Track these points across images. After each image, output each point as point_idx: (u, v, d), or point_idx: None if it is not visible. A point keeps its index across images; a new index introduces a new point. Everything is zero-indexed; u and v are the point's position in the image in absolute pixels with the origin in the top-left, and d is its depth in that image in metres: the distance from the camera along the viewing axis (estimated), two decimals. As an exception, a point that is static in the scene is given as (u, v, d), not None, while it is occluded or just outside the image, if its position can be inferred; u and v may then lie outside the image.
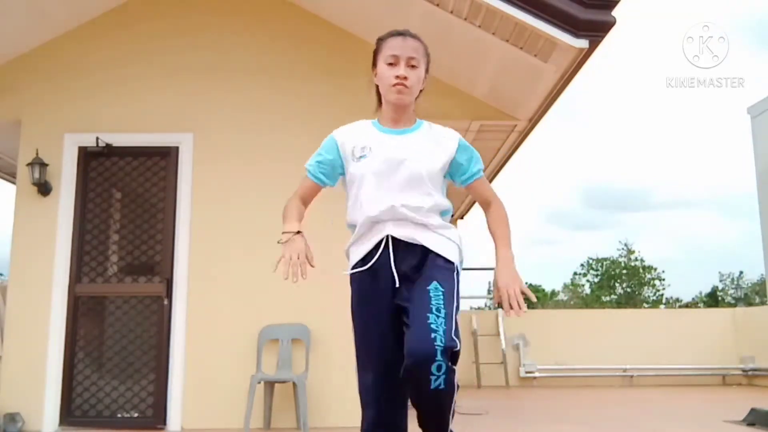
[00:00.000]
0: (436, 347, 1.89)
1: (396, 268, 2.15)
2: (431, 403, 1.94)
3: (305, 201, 2.44)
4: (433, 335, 1.91)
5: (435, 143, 2.27)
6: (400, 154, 2.22)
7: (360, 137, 2.31)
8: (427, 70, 2.30)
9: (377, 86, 2.34)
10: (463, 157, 2.28)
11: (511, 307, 2.06)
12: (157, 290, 5.74)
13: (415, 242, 2.16)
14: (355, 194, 2.26)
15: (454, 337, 1.95)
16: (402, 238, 2.16)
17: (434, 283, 2.06)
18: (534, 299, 2.20)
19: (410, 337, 1.98)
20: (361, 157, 2.26)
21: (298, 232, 2.20)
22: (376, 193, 2.20)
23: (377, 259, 2.18)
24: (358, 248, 2.25)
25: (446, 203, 2.26)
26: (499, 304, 2.10)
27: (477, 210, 11.47)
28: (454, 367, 1.94)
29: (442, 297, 2.02)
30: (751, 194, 6.96)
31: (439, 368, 1.88)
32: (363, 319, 2.21)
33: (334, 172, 2.35)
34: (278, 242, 2.18)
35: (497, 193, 2.33)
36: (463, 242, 2.25)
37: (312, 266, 2.13)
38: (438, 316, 1.97)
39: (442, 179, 2.28)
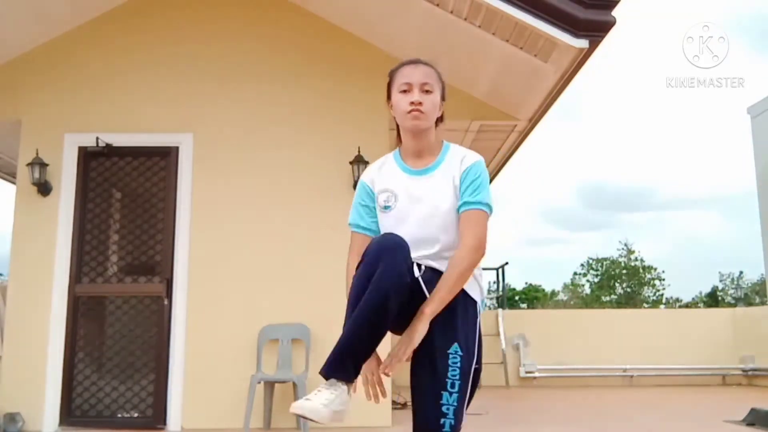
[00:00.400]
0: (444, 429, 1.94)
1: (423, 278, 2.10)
2: None
3: None
4: (442, 420, 1.94)
5: (450, 177, 2.19)
6: (421, 199, 2.19)
7: (385, 181, 2.26)
8: (443, 97, 2.24)
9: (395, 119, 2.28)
10: (465, 182, 2.16)
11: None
12: (157, 290, 5.73)
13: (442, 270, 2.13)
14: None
15: (460, 418, 1.98)
16: (429, 265, 2.15)
17: (455, 346, 2.02)
18: (388, 375, 2.06)
19: (421, 415, 1.98)
20: (386, 207, 2.22)
21: None
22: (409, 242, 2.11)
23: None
24: None
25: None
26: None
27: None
28: None
29: (459, 366, 2.00)
30: (751, 194, 6.97)
31: None
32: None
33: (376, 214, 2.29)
34: None
35: (480, 240, 2.10)
36: (482, 278, 2.22)
37: (387, 375, 2.05)
38: (451, 394, 1.97)
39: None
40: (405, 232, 2.08)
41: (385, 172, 2.27)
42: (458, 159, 2.20)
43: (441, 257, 2.15)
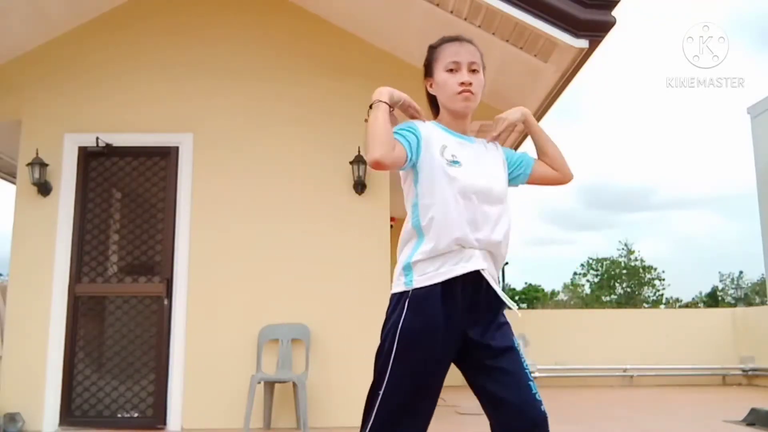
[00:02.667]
0: (546, 414, 1.92)
1: (469, 308, 1.93)
2: None
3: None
4: (542, 408, 1.91)
5: (495, 151, 2.17)
6: (485, 166, 2.06)
7: (442, 137, 2.03)
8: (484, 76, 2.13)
9: (430, 97, 2.15)
10: (508, 153, 2.21)
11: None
12: (157, 290, 5.73)
13: (492, 287, 1.96)
14: (443, 202, 1.93)
15: None
16: (489, 279, 1.95)
17: (515, 339, 2.01)
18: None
19: (526, 411, 1.89)
20: (453, 162, 1.97)
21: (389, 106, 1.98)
22: (466, 211, 1.93)
23: (459, 291, 1.91)
24: (438, 269, 1.91)
25: None
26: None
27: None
28: None
29: (527, 365, 1.98)
30: (751, 194, 6.97)
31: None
32: (421, 360, 1.88)
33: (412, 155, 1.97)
34: (365, 120, 2.01)
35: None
36: None
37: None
38: (533, 382, 1.95)
39: None
40: (485, 207, 1.96)
41: (436, 129, 2.06)
42: (487, 142, 2.20)
43: (496, 259, 2.00)
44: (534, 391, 1.91)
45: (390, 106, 1.99)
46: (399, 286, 1.94)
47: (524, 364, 1.96)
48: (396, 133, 1.96)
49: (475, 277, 1.92)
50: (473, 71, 2.05)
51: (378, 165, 1.88)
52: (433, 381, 1.91)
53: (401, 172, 2.05)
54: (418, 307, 1.89)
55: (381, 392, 1.88)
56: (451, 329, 1.90)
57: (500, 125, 2.18)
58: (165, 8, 6.21)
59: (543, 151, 2.23)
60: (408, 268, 1.94)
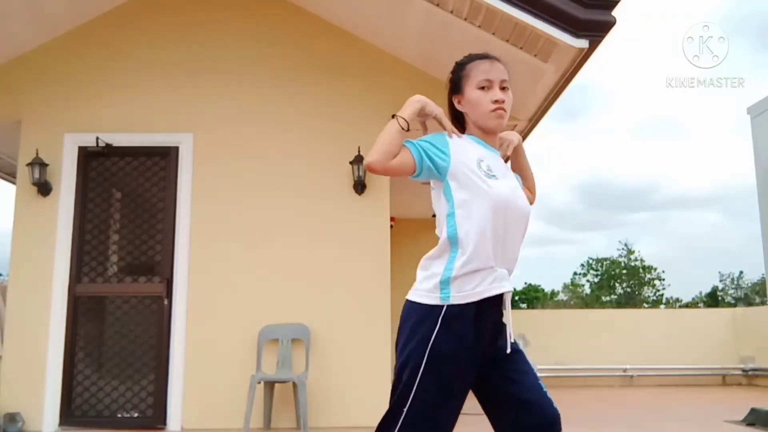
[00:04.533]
0: (559, 413, 1.94)
1: (493, 329, 1.97)
2: None
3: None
4: (555, 405, 1.94)
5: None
6: (514, 183, 2.07)
7: (478, 150, 2.03)
8: None
9: (454, 111, 2.15)
10: None
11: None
12: (157, 290, 5.73)
13: (505, 309, 2.00)
14: (482, 217, 1.91)
15: None
16: (507, 299, 1.98)
17: (522, 352, 2.04)
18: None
19: (543, 409, 1.92)
20: (491, 175, 1.96)
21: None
22: (501, 230, 1.94)
23: (489, 311, 1.93)
24: (476, 288, 1.90)
25: None
26: None
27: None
28: None
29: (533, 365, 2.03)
30: (751, 194, 6.97)
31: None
32: (450, 379, 1.87)
33: (432, 171, 1.97)
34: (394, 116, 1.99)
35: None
36: None
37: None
38: (544, 385, 1.99)
39: None
40: (516, 225, 1.99)
41: (468, 143, 2.06)
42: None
43: (512, 272, 2.04)
44: (545, 390, 1.96)
45: (421, 120, 2.04)
46: (431, 299, 1.90)
47: (531, 364, 2.01)
48: (411, 142, 1.97)
49: (499, 297, 1.94)
50: (504, 89, 2.07)
51: (370, 169, 1.92)
52: (457, 402, 1.90)
53: (432, 182, 2.05)
54: (452, 325, 1.86)
55: (406, 409, 1.85)
56: (479, 350, 1.90)
57: (510, 148, 2.19)
58: (164, 8, 6.20)
59: (525, 175, 2.28)
60: (446, 283, 1.90)
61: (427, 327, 1.87)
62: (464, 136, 2.08)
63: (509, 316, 1.98)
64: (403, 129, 1.95)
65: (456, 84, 2.13)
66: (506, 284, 1.94)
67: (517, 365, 1.97)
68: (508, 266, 1.98)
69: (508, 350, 1.97)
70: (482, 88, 2.05)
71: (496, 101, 2.03)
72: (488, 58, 2.10)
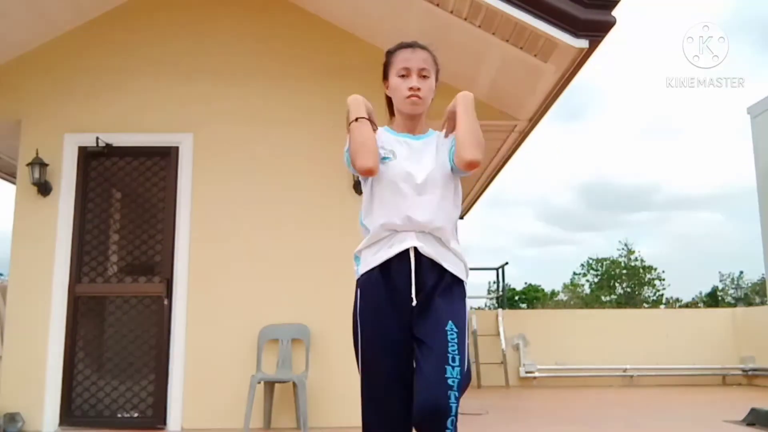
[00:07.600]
0: (451, 405, 1.92)
1: (416, 283, 2.09)
2: None
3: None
4: (449, 393, 1.93)
5: (445, 148, 2.26)
6: (418, 158, 2.20)
7: (383, 139, 2.25)
8: (437, 79, 2.32)
9: (388, 98, 2.35)
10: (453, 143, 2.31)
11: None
12: (157, 290, 5.73)
13: (436, 261, 2.12)
14: (376, 196, 2.18)
15: (464, 381, 1.99)
16: (426, 255, 2.11)
17: (450, 323, 2.04)
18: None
19: (425, 391, 1.95)
20: (384, 158, 2.18)
21: (368, 119, 2.21)
22: (394, 198, 2.14)
23: (397, 269, 2.11)
24: (376, 254, 2.15)
25: (458, 212, 2.25)
26: None
27: (477, 209, 11.47)
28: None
29: (456, 340, 2.01)
30: (751, 194, 6.96)
31: (452, 423, 1.91)
32: (373, 339, 2.10)
33: None
34: (348, 126, 2.22)
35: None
36: (466, 258, 2.24)
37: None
38: (453, 367, 1.97)
39: (455, 183, 2.24)
40: (412, 192, 2.13)
41: (381, 133, 2.27)
42: (442, 136, 2.32)
43: (435, 237, 2.14)
44: (447, 377, 1.95)
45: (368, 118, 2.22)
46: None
47: (449, 343, 2.01)
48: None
49: (416, 254, 2.11)
50: (423, 77, 2.24)
51: (370, 172, 2.13)
52: (393, 345, 2.07)
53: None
54: (364, 292, 2.15)
55: (359, 364, 2.13)
56: (397, 302, 2.09)
57: (445, 116, 2.30)
58: (164, 8, 6.20)
59: (457, 134, 2.22)
60: (356, 259, 2.22)
61: (355, 298, 2.18)
62: (380, 129, 2.28)
63: (412, 266, 2.11)
64: (370, 121, 2.19)
65: (384, 71, 2.34)
66: (407, 243, 2.11)
67: (426, 339, 2.03)
68: (420, 229, 2.12)
69: (414, 303, 2.08)
70: (402, 75, 2.24)
71: (410, 88, 2.21)
72: (411, 46, 2.28)
